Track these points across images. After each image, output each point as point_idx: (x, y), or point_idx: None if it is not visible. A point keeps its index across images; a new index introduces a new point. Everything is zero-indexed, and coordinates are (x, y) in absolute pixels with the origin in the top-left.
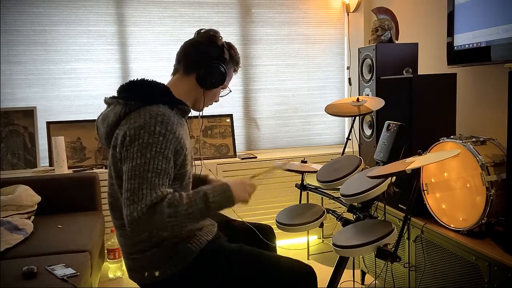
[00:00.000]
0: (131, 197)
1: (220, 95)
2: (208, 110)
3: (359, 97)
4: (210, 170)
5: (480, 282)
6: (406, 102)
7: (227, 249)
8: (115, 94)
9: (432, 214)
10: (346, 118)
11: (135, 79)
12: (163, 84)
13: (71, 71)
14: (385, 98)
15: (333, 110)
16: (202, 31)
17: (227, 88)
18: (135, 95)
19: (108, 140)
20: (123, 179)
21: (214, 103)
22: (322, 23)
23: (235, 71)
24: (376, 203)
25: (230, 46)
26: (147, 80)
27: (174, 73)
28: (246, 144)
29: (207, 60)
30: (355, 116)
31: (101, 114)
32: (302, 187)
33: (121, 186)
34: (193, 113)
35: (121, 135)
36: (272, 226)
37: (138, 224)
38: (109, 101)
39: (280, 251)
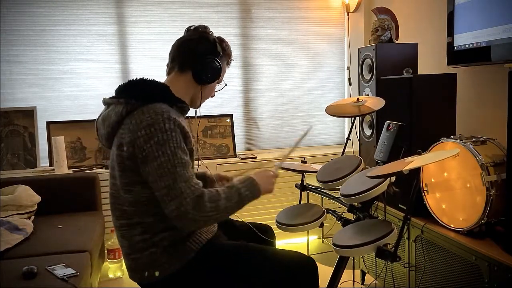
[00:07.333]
0: (171, 193)
1: (216, 89)
2: (208, 110)
3: (359, 97)
4: (206, 167)
5: (480, 282)
6: (406, 102)
7: (227, 245)
8: (114, 94)
9: (432, 214)
10: (346, 118)
11: (134, 79)
12: (162, 83)
13: (71, 71)
14: (385, 98)
15: (334, 111)
16: (192, 27)
17: (223, 82)
18: (136, 94)
19: (110, 140)
20: (149, 180)
21: (210, 98)
22: (322, 23)
23: (228, 64)
24: (376, 203)
25: (221, 40)
26: (146, 79)
27: (169, 73)
28: (246, 144)
29: (201, 56)
30: (355, 116)
31: (100, 115)
32: (302, 187)
33: (127, 185)
34: (191, 112)
35: (128, 135)
36: (272, 226)
37: (186, 216)
38: (108, 101)
39: None
